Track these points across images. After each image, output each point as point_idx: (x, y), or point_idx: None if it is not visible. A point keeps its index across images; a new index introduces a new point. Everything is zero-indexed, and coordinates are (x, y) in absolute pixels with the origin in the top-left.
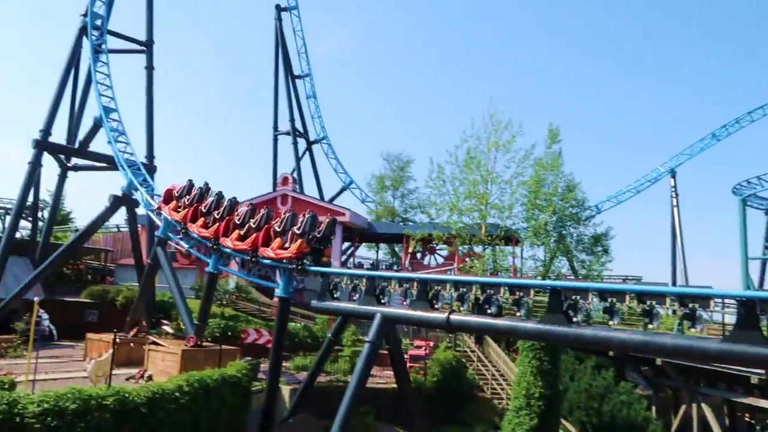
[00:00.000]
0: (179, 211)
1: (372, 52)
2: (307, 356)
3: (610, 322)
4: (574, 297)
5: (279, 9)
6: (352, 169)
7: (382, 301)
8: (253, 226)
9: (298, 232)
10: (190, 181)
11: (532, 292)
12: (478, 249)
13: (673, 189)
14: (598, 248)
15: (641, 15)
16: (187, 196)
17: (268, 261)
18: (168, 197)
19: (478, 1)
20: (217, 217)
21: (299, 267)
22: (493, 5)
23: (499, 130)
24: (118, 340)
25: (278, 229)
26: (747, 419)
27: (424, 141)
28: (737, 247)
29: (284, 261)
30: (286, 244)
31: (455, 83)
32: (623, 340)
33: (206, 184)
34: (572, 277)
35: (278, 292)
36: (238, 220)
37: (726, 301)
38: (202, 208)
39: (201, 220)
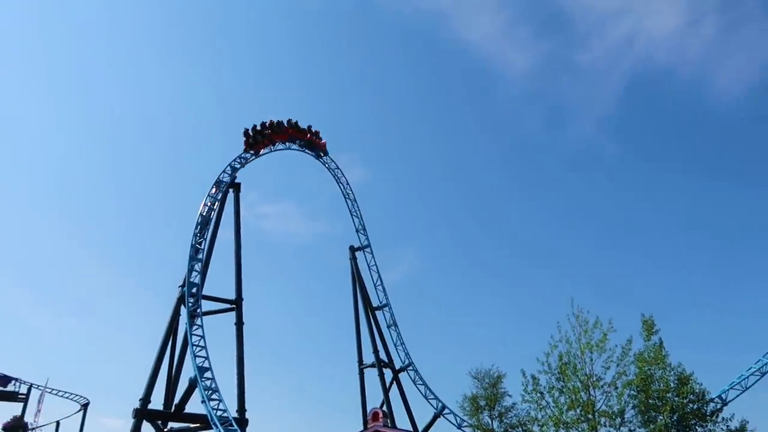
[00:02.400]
0: None
1: (440, 272)
2: None
3: None
4: None
5: (353, 250)
6: (443, 393)
7: None
8: None
9: None
10: None
11: None
12: None
13: None
14: None
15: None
16: None
17: None
18: None
19: (532, 200)
20: None
21: None
22: (546, 203)
23: (589, 330)
24: None
25: None
26: None
27: (511, 351)
28: None
29: None
30: None
31: (533, 283)
32: None
33: None
34: None
35: None
36: None
37: None
38: None
39: None
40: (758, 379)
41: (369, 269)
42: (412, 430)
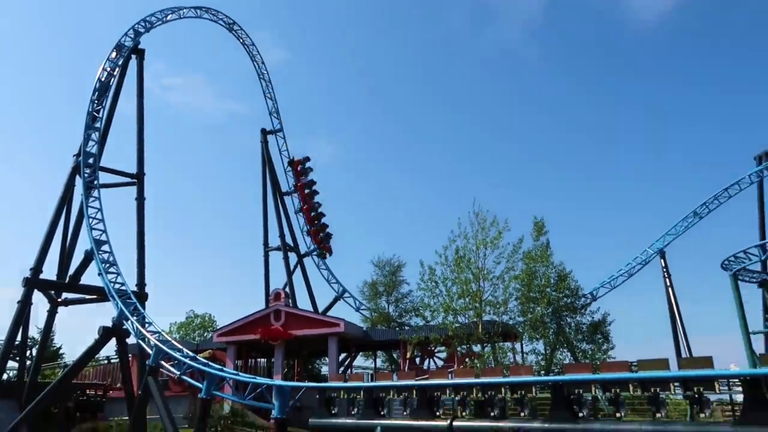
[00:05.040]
0: None
1: (352, 163)
2: None
3: (617, 414)
4: (577, 391)
5: (264, 132)
6: (345, 279)
7: (382, 412)
8: None
9: None
10: None
11: (534, 389)
12: (476, 348)
13: (665, 269)
14: (598, 336)
15: (622, 92)
16: None
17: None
18: None
19: (452, 100)
20: None
21: None
22: (466, 104)
23: (486, 227)
24: None
25: None
26: None
27: (413, 244)
28: (737, 322)
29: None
30: None
31: (438, 184)
32: None
33: None
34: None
35: (274, 413)
36: None
37: (732, 380)
38: None
39: None
40: (625, 280)
41: (280, 154)
42: (312, 310)
